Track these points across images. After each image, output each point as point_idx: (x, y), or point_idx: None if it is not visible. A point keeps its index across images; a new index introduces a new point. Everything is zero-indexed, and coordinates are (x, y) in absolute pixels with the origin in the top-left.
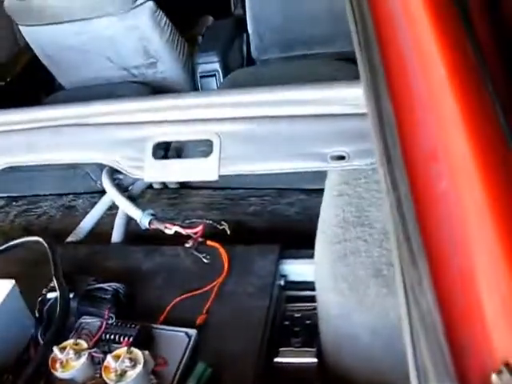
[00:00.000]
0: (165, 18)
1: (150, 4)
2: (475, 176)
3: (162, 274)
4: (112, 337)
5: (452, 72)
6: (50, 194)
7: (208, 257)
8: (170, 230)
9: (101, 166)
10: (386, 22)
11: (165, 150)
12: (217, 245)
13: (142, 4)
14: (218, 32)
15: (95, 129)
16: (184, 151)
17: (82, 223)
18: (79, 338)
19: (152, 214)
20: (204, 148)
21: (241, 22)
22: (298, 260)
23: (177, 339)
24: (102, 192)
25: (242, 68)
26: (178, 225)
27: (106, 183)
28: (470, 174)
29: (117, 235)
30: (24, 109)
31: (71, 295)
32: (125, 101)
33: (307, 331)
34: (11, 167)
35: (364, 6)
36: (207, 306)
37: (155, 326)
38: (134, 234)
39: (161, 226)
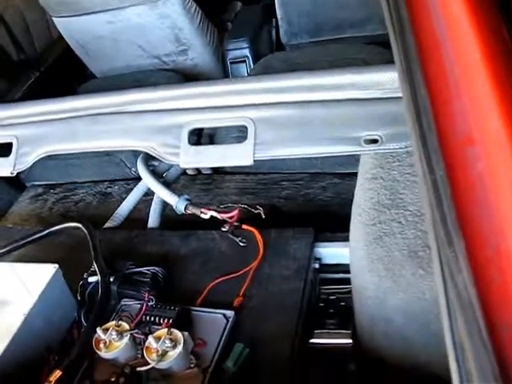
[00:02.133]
0: (195, 5)
1: None
2: (511, 158)
3: (198, 258)
4: (152, 318)
5: (487, 55)
6: (87, 182)
7: (244, 240)
8: (206, 214)
9: (135, 153)
10: (420, 6)
11: (198, 137)
12: (252, 229)
13: None
14: (247, 18)
15: (131, 116)
16: (216, 138)
17: (118, 209)
18: (120, 319)
19: (187, 199)
20: (236, 134)
21: (269, 8)
22: (332, 243)
23: (215, 321)
24: (137, 179)
25: (272, 53)
26: (213, 209)
27: (142, 170)
28: (505, 156)
29: (153, 221)
30: (61, 98)
31: (111, 279)
32: (160, 88)
33: (342, 313)
34: (49, 156)
35: None
36: (243, 289)
37: (194, 308)
38: (169, 219)
39: (197, 211)
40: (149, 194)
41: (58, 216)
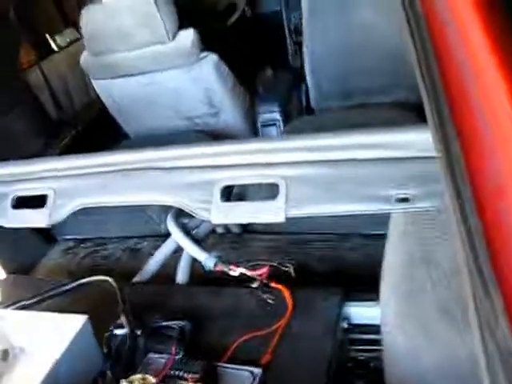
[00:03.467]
0: (227, 69)
1: (214, 57)
2: None
3: (226, 314)
4: (178, 373)
5: None
6: (116, 237)
7: (272, 298)
8: (235, 271)
9: (165, 210)
10: (451, 65)
11: (228, 194)
12: (281, 287)
13: (206, 56)
14: (278, 83)
15: (163, 172)
16: (246, 196)
17: (147, 264)
18: (146, 373)
19: (217, 256)
20: (266, 193)
21: (299, 73)
22: (361, 303)
23: (241, 378)
24: (166, 235)
25: (302, 117)
26: (242, 266)
27: (172, 225)
28: None
29: (181, 276)
30: (95, 154)
31: (138, 332)
32: (192, 146)
33: (371, 374)
34: (83, 209)
35: (430, 55)
36: (271, 347)
37: (220, 364)
38: (198, 275)
39: (226, 268)
40: (178, 250)
41: (87, 270)
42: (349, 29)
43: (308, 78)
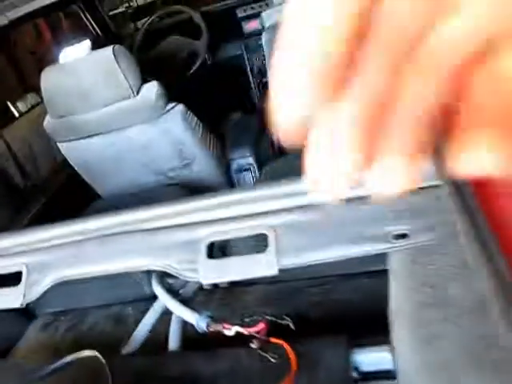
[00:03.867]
0: (195, 119)
1: (180, 107)
2: None
3: (226, 379)
4: None
5: None
6: (98, 305)
7: (275, 356)
8: (230, 330)
9: (148, 272)
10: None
11: (212, 249)
12: (281, 342)
13: (172, 107)
14: (247, 126)
15: (143, 234)
16: (228, 249)
17: (135, 333)
18: None
19: (209, 316)
20: (253, 243)
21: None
22: (370, 348)
23: None
24: (152, 298)
25: (275, 160)
26: (238, 324)
27: (157, 289)
28: None
29: (173, 342)
30: (68, 222)
31: None
32: (171, 204)
33: None
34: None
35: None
36: None
37: None
38: (191, 338)
39: (219, 328)
40: (166, 313)
41: (70, 345)
42: None
43: None
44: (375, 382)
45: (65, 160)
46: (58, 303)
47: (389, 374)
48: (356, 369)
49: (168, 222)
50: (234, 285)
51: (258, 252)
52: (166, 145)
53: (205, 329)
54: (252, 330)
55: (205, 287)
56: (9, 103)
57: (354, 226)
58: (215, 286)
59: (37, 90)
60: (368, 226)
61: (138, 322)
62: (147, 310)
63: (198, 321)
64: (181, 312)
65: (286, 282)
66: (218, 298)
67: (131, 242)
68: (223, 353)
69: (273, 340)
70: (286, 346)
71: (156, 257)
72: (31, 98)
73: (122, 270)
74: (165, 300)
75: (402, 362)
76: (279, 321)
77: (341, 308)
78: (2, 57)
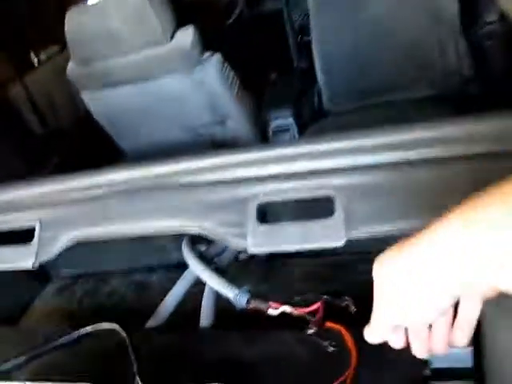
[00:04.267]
0: (232, 72)
1: (218, 57)
2: None
3: (271, 368)
4: None
5: None
6: (121, 270)
7: (333, 344)
8: (276, 309)
9: (176, 236)
10: None
11: (263, 212)
12: (339, 327)
13: (209, 57)
14: (286, 86)
15: (179, 190)
16: (284, 213)
17: (162, 304)
18: None
19: (250, 291)
20: (310, 207)
21: (307, 75)
22: None
23: None
24: (180, 266)
25: (323, 119)
26: (286, 303)
27: (189, 255)
28: None
29: (206, 317)
30: (92, 171)
31: None
32: (213, 155)
33: None
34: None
35: None
36: None
37: None
38: (226, 315)
39: (263, 306)
40: (198, 284)
41: (87, 312)
42: (361, 24)
43: (320, 79)
44: (450, 383)
45: (88, 112)
46: (75, 265)
47: (466, 373)
48: (427, 364)
49: (209, 177)
50: (271, 256)
51: (320, 218)
52: (198, 98)
53: (244, 305)
54: (306, 311)
55: (239, 258)
56: (32, 52)
57: (438, 192)
58: (251, 256)
59: (61, 41)
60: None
61: (163, 292)
62: (174, 279)
63: (238, 296)
64: (217, 284)
65: (332, 256)
66: (254, 270)
67: (163, 198)
68: (267, 335)
69: (329, 324)
70: (344, 332)
71: (193, 217)
72: (55, 49)
73: (151, 232)
74: (198, 269)
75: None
76: (337, 301)
77: None
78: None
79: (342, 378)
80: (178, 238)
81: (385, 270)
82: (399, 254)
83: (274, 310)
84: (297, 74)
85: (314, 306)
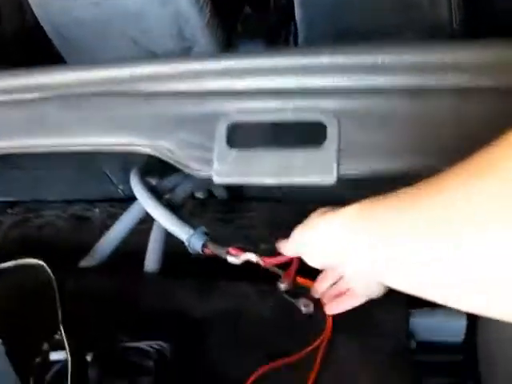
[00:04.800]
0: None
1: None
2: None
3: (228, 325)
4: None
5: None
6: (57, 201)
7: (308, 304)
8: (237, 257)
9: (124, 166)
10: None
11: (235, 135)
12: (311, 283)
13: None
14: (260, 22)
15: (133, 101)
16: (261, 138)
17: (101, 241)
18: None
19: (207, 234)
20: (296, 138)
21: (284, 10)
22: (431, 311)
23: None
24: (126, 200)
25: None
26: (250, 250)
27: (138, 187)
28: None
29: (151, 261)
30: (28, 70)
31: (88, 357)
32: (180, 61)
33: None
34: (8, 159)
35: None
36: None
37: None
38: (175, 259)
39: (221, 252)
40: (145, 221)
41: (15, 245)
42: None
43: (297, 14)
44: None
45: (36, 21)
46: (5, 193)
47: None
48: (413, 336)
49: (171, 87)
50: (233, 197)
51: (306, 147)
52: (163, 18)
53: (199, 250)
54: (276, 261)
55: (196, 196)
56: None
57: (460, 125)
58: (210, 194)
59: None
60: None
61: (104, 228)
62: (118, 215)
63: (192, 238)
64: (168, 223)
65: (302, 204)
66: (213, 211)
67: (111, 108)
68: (225, 287)
69: (300, 280)
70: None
71: (146, 134)
72: None
73: (95, 147)
74: (147, 204)
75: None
76: None
77: None
78: None
79: (316, 343)
80: (126, 168)
81: (315, 222)
82: (324, 219)
83: (234, 258)
84: (272, 9)
85: (287, 257)
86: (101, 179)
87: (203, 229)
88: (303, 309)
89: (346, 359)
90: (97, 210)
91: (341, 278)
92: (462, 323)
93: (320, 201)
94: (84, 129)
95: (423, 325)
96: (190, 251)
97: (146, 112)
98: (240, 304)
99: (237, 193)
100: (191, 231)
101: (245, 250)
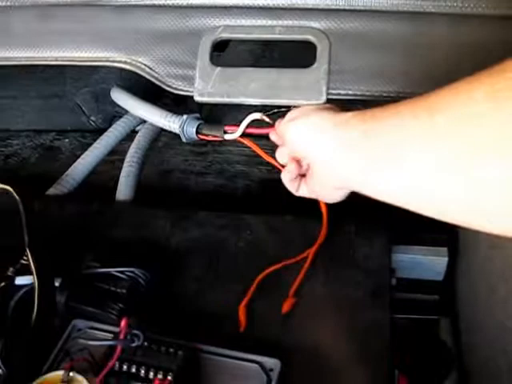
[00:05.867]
0: None
1: None
2: None
3: (204, 255)
4: (134, 368)
5: None
6: (25, 130)
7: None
8: (234, 133)
9: (96, 95)
10: None
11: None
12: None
13: None
14: None
15: (110, 12)
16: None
17: (70, 170)
18: (71, 367)
19: (198, 118)
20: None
21: None
22: (410, 247)
23: (246, 375)
24: (96, 131)
25: None
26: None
27: (122, 94)
28: None
29: (124, 189)
30: None
31: (57, 283)
32: None
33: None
34: None
35: None
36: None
37: (208, 348)
38: (146, 189)
39: (217, 132)
40: (117, 152)
41: None
42: None
43: None
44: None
45: None
46: None
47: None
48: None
49: (150, 0)
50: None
51: (295, 67)
52: None
53: (194, 136)
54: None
55: None
56: None
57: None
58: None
59: None
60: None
61: (74, 157)
62: (88, 144)
63: (185, 125)
64: (158, 117)
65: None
66: (188, 144)
67: (86, 19)
68: (202, 218)
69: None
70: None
71: (124, 48)
72: None
73: (66, 61)
74: (134, 104)
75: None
76: None
77: None
78: None
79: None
80: (98, 99)
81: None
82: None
83: (232, 135)
84: None
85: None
86: (72, 109)
87: (196, 115)
88: None
89: (324, 293)
90: (66, 140)
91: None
92: (443, 261)
93: None
94: (54, 42)
95: (404, 261)
96: (184, 140)
97: (125, 25)
98: (216, 234)
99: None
100: (184, 117)
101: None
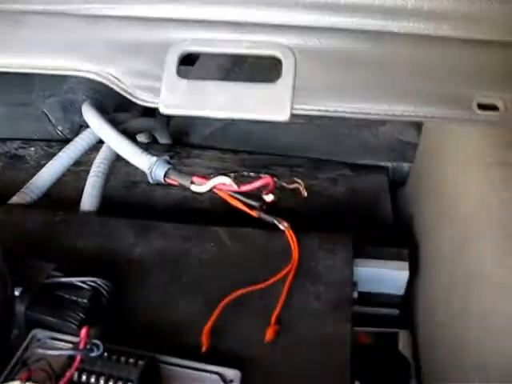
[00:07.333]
0: None
1: None
2: None
3: (167, 266)
4: (93, 378)
5: None
6: None
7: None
8: (202, 185)
9: (63, 105)
10: None
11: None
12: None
13: None
14: None
15: (79, 22)
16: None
17: (34, 178)
18: (29, 378)
19: (169, 162)
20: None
21: None
22: (371, 261)
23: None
24: (63, 141)
25: None
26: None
27: (94, 116)
28: None
29: (89, 199)
30: None
31: (17, 292)
32: None
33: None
34: None
35: None
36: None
37: (169, 359)
38: (113, 200)
39: (184, 181)
40: (83, 162)
41: None
42: None
43: None
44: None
45: None
46: None
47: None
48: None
49: (122, 11)
50: (176, 144)
51: (261, 82)
52: None
53: (161, 180)
54: (248, 188)
55: (138, 139)
56: None
57: (420, 74)
58: (154, 140)
59: None
60: (441, 80)
61: (39, 166)
62: (54, 154)
63: (154, 167)
64: (128, 152)
65: (248, 154)
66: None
67: (59, 29)
68: (166, 229)
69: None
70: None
71: (92, 59)
72: None
73: (31, 69)
74: (104, 132)
75: None
76: (285, 184)
77: (317, 200)
78: None
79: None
80: (65, 108)
81: None
82: None
83: (198, 187)
84: None
85: (263, 180)
86: (39, 118)
87: (166, 157)
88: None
89: (285, 306)
90: (32, 149)
91: None
92: (405, 275)
93: (266, 150)
94: (25, 48)
95: (365, 275)
96: (151, 181)
97: (94, 36)
98: (180, 245)
99: (181, 141)
100: (153, 159)
101: (209, 178)
